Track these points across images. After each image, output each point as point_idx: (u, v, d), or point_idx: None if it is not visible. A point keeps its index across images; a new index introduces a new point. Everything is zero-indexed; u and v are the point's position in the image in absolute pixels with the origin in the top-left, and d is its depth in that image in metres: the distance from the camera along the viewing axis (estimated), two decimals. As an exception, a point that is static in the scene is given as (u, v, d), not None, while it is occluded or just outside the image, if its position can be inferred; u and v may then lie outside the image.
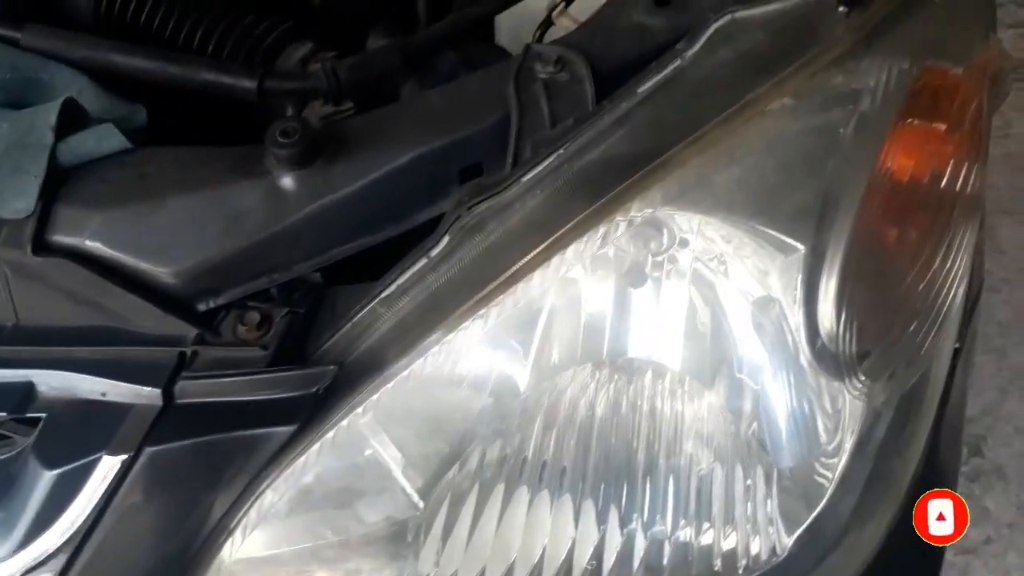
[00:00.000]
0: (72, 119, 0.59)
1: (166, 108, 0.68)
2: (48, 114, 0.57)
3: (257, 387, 0.55)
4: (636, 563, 0.64)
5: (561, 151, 0.57)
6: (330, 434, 0.57)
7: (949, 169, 0.60)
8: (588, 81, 0.61)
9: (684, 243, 0.62)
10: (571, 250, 0.60)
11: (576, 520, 0.63)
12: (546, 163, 0.56)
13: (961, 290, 0.63)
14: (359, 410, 0.58)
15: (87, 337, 0.57)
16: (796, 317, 0.57)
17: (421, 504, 0.64)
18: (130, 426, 0.53)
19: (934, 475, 0.64)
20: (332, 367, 0.55)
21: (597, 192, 0.56)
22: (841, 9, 0.56)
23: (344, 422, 0.57)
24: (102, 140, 0.58)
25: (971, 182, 0.60)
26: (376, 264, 0.62)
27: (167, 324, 0.56)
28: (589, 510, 0.63)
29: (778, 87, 0.55)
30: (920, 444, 0.63)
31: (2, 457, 0.56)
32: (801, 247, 0.55)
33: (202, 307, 0.58)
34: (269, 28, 0.74)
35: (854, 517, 0.61)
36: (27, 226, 0.55)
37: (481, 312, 0.58)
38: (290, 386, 0.55)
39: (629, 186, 0.55)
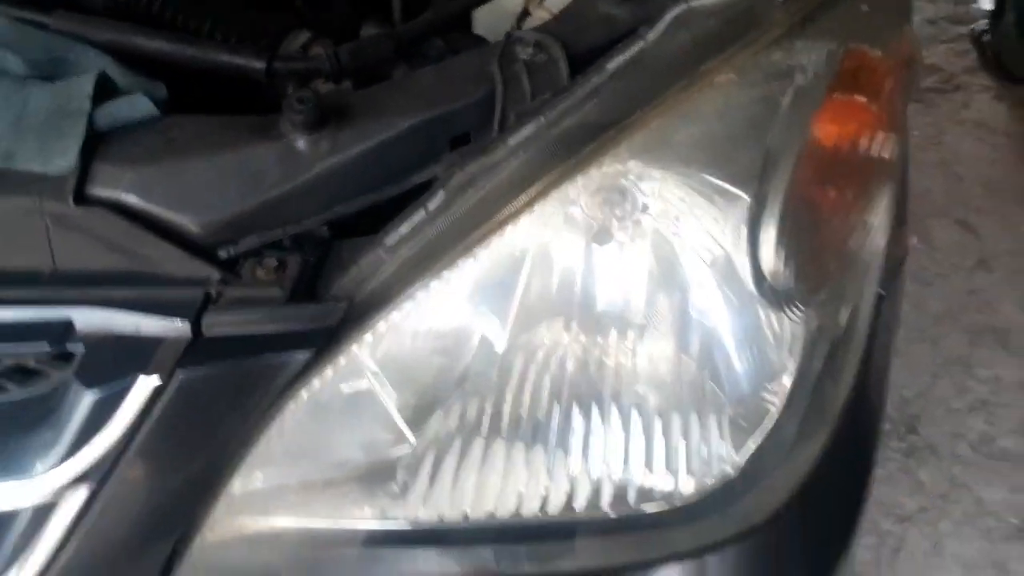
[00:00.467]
0: (105, 90, 0.66)
1: (178, 91, 0.75)
2: (85, 84, 0.64)
3: (276, 320, 0.62)
4: (605, 503, 0.71)
5: (541, 119, 0.65)
6: (342, 360, 0.64)
7: (869, 136, 0.70)
8: (563, 62, 0.70)
9: (645, 208, 0.71)
10: (549, 204, 0.68)
11: (549, 471, 0.70)
12: (528, 129, 0.65)
13: (881, 241, 0.73)
14: (362, 342, 0.65)
15: (120, 279, 0.63)
16: (742, 259, 0.66)
17: (414, 441, 0.71)
18: (163, 354, 0.60)
19: (862, 403, 0.74)
20: (343, 303, 0.63)
21: (572, 152, 0.64)
22: (779, -1, 0.66)
23: (353, 348, 0.65)
24: (133, 107, 0.65)
25: (888, 148, 0.70)
26: (375, 223, 0.69)
27: (193, 267, 0.63)
28: (560, 460, 0.71)
29: (727, 63, 0.65)
30: (851, 374, 0.72)
31: (45, 386, 0.62)
32: (746, 196, 0.64)
33: (223, 254, 0.65)
34: (271, 19, 0.82)
35: (798, 437, 0.70)
36: (68, 181, 0.62)
37: (471, 256, 0.66)
38: (306, 319, 0.62)
39: (600, 144, 0.64)
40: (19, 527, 0.62)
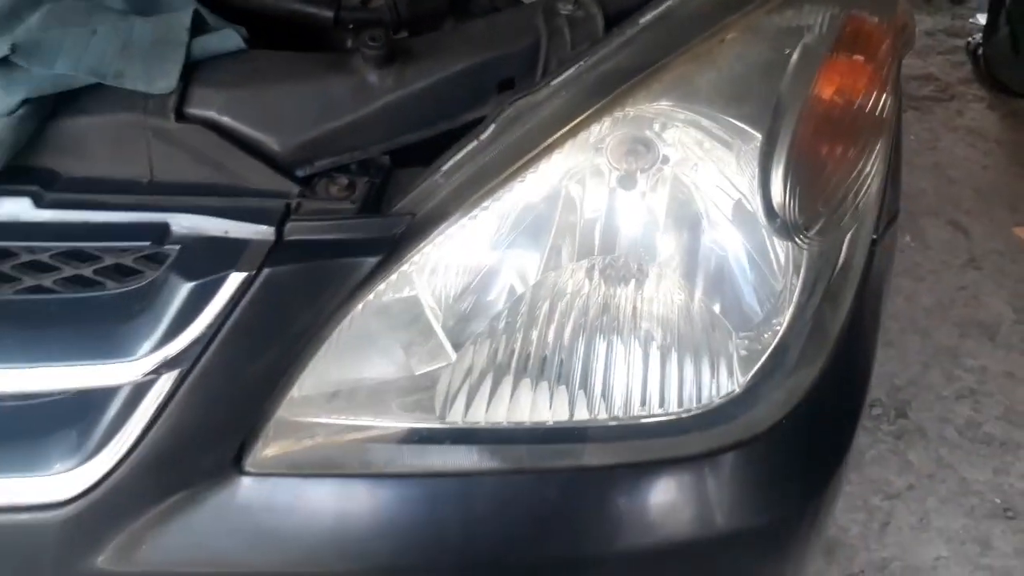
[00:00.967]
0: (199, 25, 0.75)
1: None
2: (184, 18, 0.73)
3: (349, 229, 0.70)
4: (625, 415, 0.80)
5: (581, 64, 0.74)
6: (395, 273, 0.73)
7: (866, 93, 0.79)
8: (600, 18, 0.79)
9: (666, 160, 0.80)
10: (579, 147, 0.76)
11: (572, 403, 0.79)
12: (569, 72, 0.74)
13: (874, 188, 0.82)
14: (413, 260, 0.74)
15: (210, 190, 0.72)
16: (753, 193, 0.75)
17: (453, 357, 0.80)
18: (251, 254, 0.69)
19: (857, 331, 0.83)
20: (408, 215, 0.71)
21: (608, 92, 0.73)
22: (791, -34, 0.75)
23: (405, 264, 0.73)
24: (224, 41, 0.74)
25: (880, 105, 0.79)
26: (426, 156, 0.78)
27: (275, 182, 0.72)
28: (583, 395, 0.79)
29: (744, 19, 0.74)
30: (846, 307, 0.81)
31: (148, 278, 0.70)
32: (758, 134, 0.73)
33: (300, 173, 0.74)
34: None
35: (799, 358, 0.79)
36: (169, 100, 0.71)
37: (511, 187, 0.75)
38: (376, 228, 0.71)
39: (632, 85, 0.73)
40: (117, 404, 0.71)
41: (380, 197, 0.74)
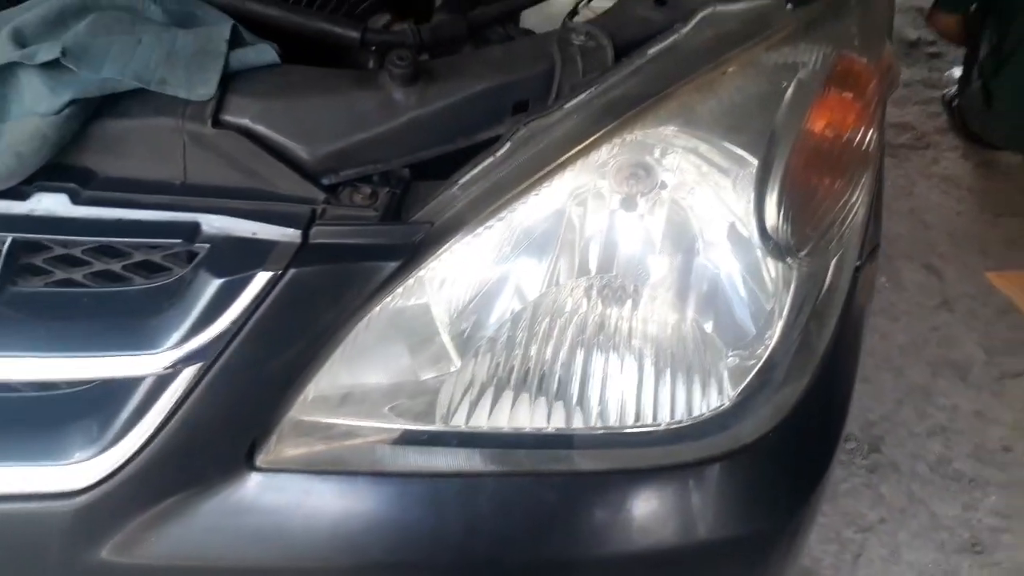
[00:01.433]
0: (236, 39, 0.79)
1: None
2: (223, 31, 0.78)
3: (371, 235, 0.75)
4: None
5: (592, 90, 0.79)
6: (411, 279, 0.77)
7: (854, 129, 0.85)
8: (609, 49, 0.84)
9: (664, 185, 0.85)
10: (584, 171, 0.80)
11: (568, 418, 0.83)
12: (581, 97, 0.79)
13: (860, 216, 0.88)
14: (427, 267, 0.78)
15: (240, 194, 0.75)
16: (748, 216, 0.80)
17: (458, 363, 0.84)
18: (278, 254, 0.72)
19: (842, 350, 0.88)
20: (427, 224, 0.76)
21: (616, 116, 0.78)
22: (789, 6, 0.81)
23: (421, 271, 0.77)
24: (261, 55, 0.78)
25: (867, 141, 0.85)
26: (443, 171, 0.82)
27: (303, 188, 0.76)
28: (577, 412, 0.84)
29: (744, 54, 0.80)
30: (831, 327, 0.86)
31: (177, 274, 0.74)
32: (754, 161, 0.78)
33: (326, 181, 0.78)
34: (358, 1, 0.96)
35: (786, 374, 0.83)
36: (207, 107, 0.75)
37: (522, 203, 0.79)
38: (397, 235, 0.75)
39: (637, 112, 0.78)
40: (138, 396, 0.74)
41: (400, 207, 0.78)
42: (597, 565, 0.83)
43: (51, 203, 0.74)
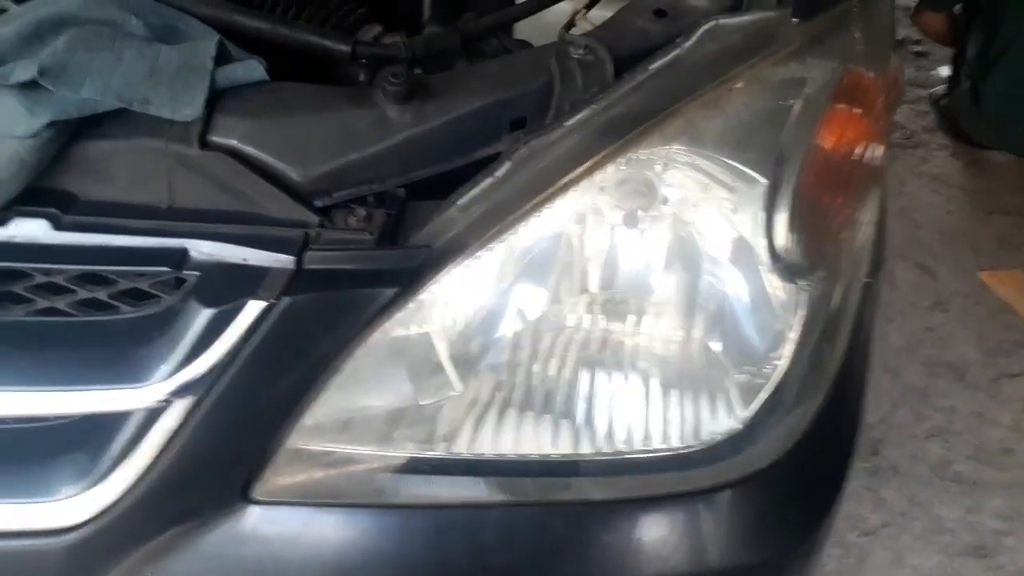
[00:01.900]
0: (222, 54, 0.76)
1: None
2: (209, 46, 0.75)
3: (368, 260, 0.72)
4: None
5: (593, 106, 0.76)
6: (411, 304, 0.74)
7: (862, 144, 0.83)
8: (609, 63, 0.81)
9: (665, 200, 0.82)
10: (586, 189, 0.78)
11: (575, 441, 0.80)
12: (582, 114, 0.76)
13: (868, 232, 0.86)
14: (427, 291, 0.75)
15: (228, 218, 0.72)
16: (757, 238, 0.77)
17: (460, 387, 0.81)
18: (271, 281, 0.69)
19: (852, 371, 0.85)
20: (426, 247, 0.73)
21: (618, 135, 0.75)
22: (794, 20, 0.79)
23: (420, 295, 0.74)
24: (248, 71, 0.75)
25: (874, 155, 0.83)
26: (439, 191, 0.80)
27: (294, 211, 0.73)
28: (584, 433, 0.81)
29: (749, 71, 0.77)
30: (843, 347, 0.84)
31: (154, 308, 0.71)
32: (763, 180, 0.76)
33: (319, 203, 0.75)
34: (349, 11, 0.93)
35: (797, 397, 0.81)
36: (193, 127, 0.71)
37: (523, 224, 0.77)
38: (395, 260, 0.72)
39: (641, 131, 0.75)
40: (129, 430, 0.71)
41: (396, 228, 0.76)
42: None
43: (31, 229, 0.71)
